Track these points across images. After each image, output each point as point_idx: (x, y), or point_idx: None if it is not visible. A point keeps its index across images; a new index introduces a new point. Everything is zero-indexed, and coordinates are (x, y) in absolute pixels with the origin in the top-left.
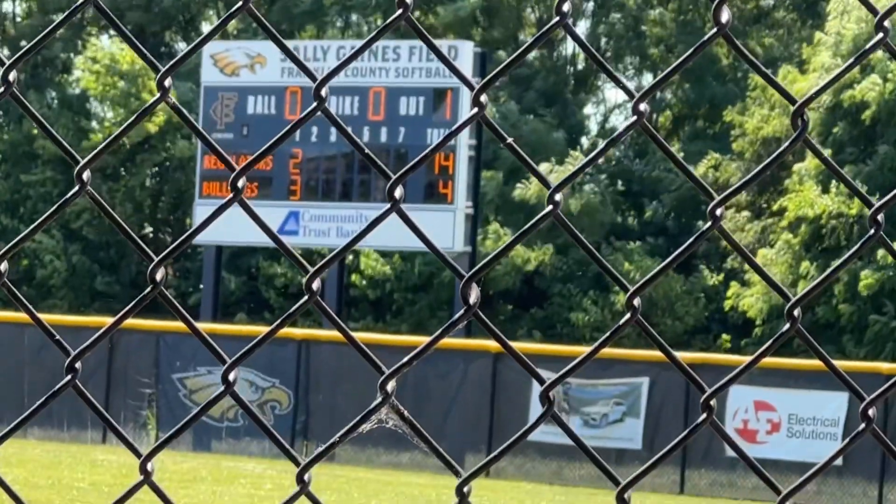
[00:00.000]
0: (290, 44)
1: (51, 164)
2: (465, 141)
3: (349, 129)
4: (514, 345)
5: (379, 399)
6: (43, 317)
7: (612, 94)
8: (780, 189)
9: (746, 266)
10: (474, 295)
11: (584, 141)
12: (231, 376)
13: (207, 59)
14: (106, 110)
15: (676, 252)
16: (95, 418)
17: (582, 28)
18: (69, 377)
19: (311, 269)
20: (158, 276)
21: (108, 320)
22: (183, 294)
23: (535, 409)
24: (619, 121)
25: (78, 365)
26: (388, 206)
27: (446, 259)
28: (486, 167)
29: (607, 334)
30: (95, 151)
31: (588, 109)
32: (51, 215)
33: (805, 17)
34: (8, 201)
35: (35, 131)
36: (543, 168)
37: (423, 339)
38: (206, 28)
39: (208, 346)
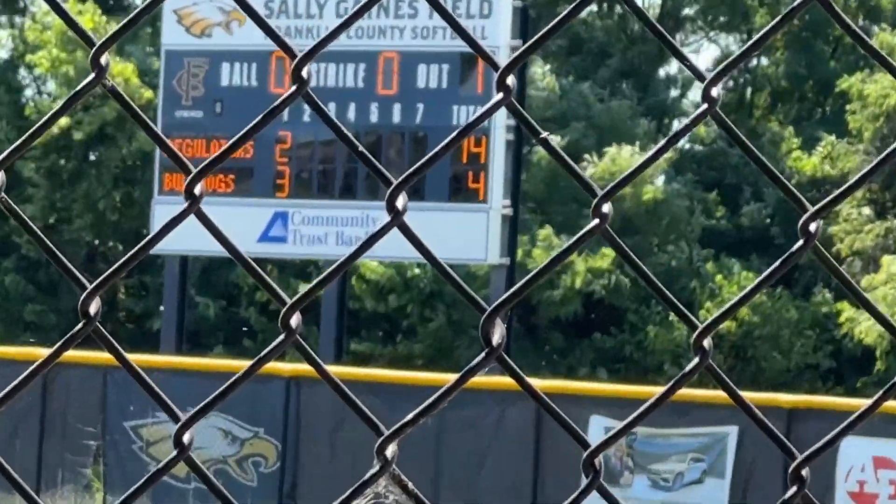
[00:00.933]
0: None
1: None
2: (501, 121)
3: (352, 110)
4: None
5: (376, 467)
6: None
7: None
8: None
9: (864, 281)
10: (498, 334)
11: (675, 123)
12: (186, 438)
13: (170, 16)
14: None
15: (757, 280)
16: (25, 476)
17: None
18: None
19: (289, 302)
20: (92, 310)
21: (43, 351)
22: (139, 317)
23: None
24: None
25: None
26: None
27: (465, 289)
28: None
29: (671, 383)
30: (7, 152)
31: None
32: None
33: None
34: None
35: None
36: (625, 152)
37: (445, 377)
38: None
39: (158, 400)
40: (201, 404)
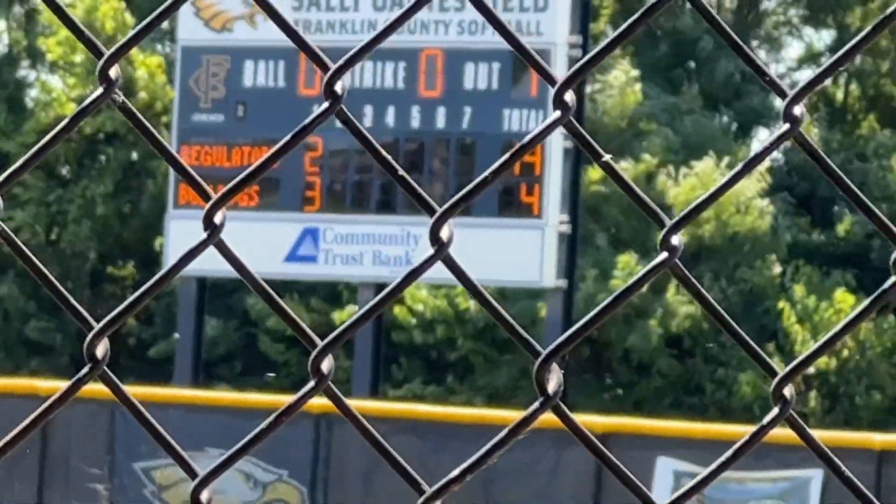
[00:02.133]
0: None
1: None
2: (558, 129)
3: (390, 115)
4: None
5: None
6: None
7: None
8: None
9: None
10: (555, 381)
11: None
12: (204, 496)
13: (187, 8)
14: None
15: (846, 320)
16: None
17: None
18: None
19: (320, 344)
20: (100, 353)
21: (45, 385)
22: (146, 346)
23: None
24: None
25: None
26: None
27: (514, 328)
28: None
29: (741, 442)
30: (8, 172)
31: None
32: None
33: None
34: None
35: None
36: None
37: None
38: None
39: (172, 452)
40: (220, 460)
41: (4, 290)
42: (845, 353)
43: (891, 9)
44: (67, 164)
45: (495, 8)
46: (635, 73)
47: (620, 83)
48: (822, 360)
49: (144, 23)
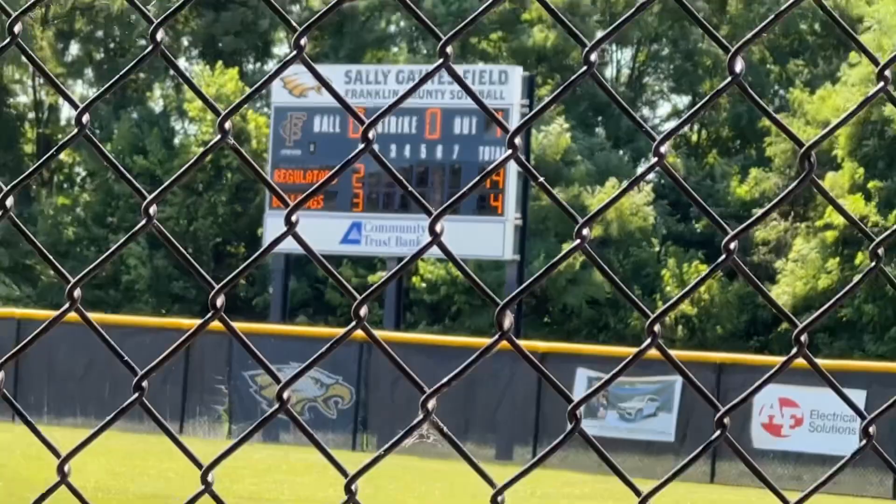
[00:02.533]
0: (353, 67)
1: (140, 178)
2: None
3: (407, 150)
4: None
5: (420, 416)
6: (128, 318)
7: (663, 110)
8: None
9: (777, 264)
10: (508, 321)
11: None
12: (285, 394)
13: (278, 82)
14: (188, 125)
15: (693, 283)
16: (173, 411)
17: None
18: (136, 395)
19: (359, 297)
20: (219, 303)
21: (186, 322)
22: (252, 297)
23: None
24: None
25: (145, 384)
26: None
27: (483, 288)
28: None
29: (628, 359)
30: (162, 188)
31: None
32: (119, 247)
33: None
34: (99, 212)
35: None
36: (610, 185)
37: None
38: (277, 50)
39: (264, 367)
40: (298, 369)
41: (159, 260)
42: (702, 301)
43: (723, 83)
44: (200, 182)
45: (472, 84)
46: (566, 125)
47: (556, 131)
48: (686, 306)
49: (248, 93)
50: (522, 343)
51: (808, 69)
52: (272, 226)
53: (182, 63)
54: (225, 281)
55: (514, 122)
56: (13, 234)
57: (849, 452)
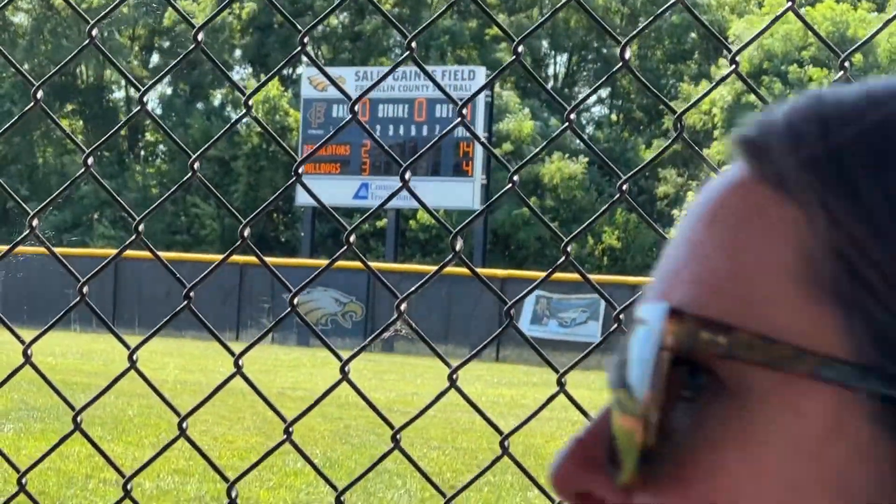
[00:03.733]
0: (362, 69)
1: (211, 161)
2: (480, 133)
3: (401, 129)
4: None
5: (395, 316)
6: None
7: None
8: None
9: (674, 212)
10: (459, 244)
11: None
12: (296, 300)
13: (305, 80)
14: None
15: (595, 216)
16: (232, 323)
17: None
18: (184, 303)
19: (349, 228)
20: (246, 233)
21: (241, 257)
22: (287, 238)
23: (526, 317)
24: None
25: (192, 293)
26: (425, 178)
27: (439, 219)
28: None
29: (548, 272)
30: (201, 150)
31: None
32: (164, 200)
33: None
34: (176, 178)
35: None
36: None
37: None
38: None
39: (279, 280)
40: (304, 281)
41: (228, 219)
42: (622, 237)
43: (616, 67)
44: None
45: (446, 80)
46: (528, 112)
47: (519, 118)
48: (613, 241)
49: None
50: (487, 271)
51: (696, 66)
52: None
53: (237, 71)
54: (252, 216)
55: (479, 112)
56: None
57: None
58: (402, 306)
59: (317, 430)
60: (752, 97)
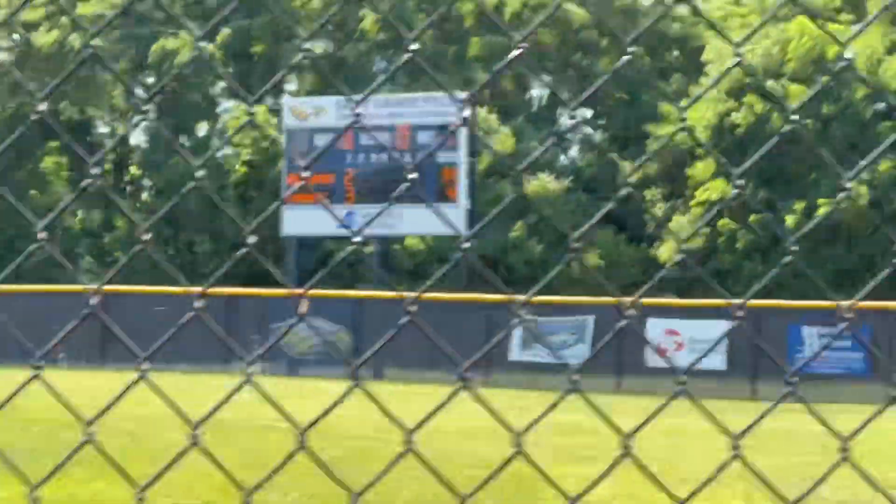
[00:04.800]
0: (345, 98)
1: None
2: (463, 156)
3: (385, 155)
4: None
5: (399, 326)
6: (187, 290)
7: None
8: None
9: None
10: (465, 244)
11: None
12: (303, 308)
13: (287, 111)
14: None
15: (581, 230)
16: (221, 356)
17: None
18: (192, 314)
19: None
20: (251, 239)
21: (227, 290)
22: (267, 274)
23: (516, 342)
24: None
25: (198, 304)
26: (410, 206)
27: (442, 215)
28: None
29: (536, 289)
30: (203, 160)
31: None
32: (170, 207)
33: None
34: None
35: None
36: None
37: (445, 296)
38: (287, 87)
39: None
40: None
41: (206, 246)
42: (606, 258)
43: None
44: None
45: (430, 106)
46: (510, 132)
47: (502, 138)
48: (596, 259)
49: (255, 97)
50: (474, 296)
51: (677, 85)
52: (287, 216)
53: (222, 105)
54: (256, 222)
55: (462, 133)
56: (96, 233)
57: (714, 367)
58: (411, 307)
59: (300, 462)
60: (735, 116)
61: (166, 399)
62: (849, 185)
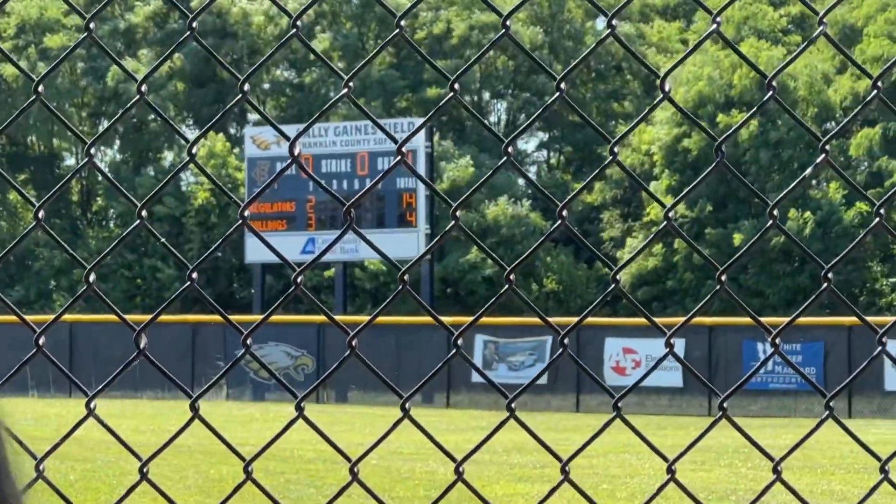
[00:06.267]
0: (303, 125)
1: (163, 221)
2: (422, 185)
3: (344, 182)
4: (464, 318)
5: (347, 353)
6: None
7: (531, 145)
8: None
9: (619, 253)
10: (406, 279)
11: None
12: (249, 341)
13: (248, 140)
14: (190, 177)
15: (531, 249)
16: (186, 380)
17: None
18: (136, 352)
19: (297, 270)
20: (195, 275)
21: (192, 316)
22: (243, 296)
23: (476, 363)
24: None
25: (143, 343)
26: (370, 230)
27: (389, 259)
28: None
29: (493, 299)
30: (150, 195)
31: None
32: (120, 241)
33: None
34: (129, 242)
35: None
36: (501, 202)
37: (406, 319)
38: (251, 116)
39: (231, 325)
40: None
41: (170, 271)
42: (564, 280)
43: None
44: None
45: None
46: (470, 160)
47: (462, 165)
48: (553, 284)
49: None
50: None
51: (631, 106)
52: (250, 244)
53: (186, 131)
54: (202, 258)
55: (420, 160)
56: (68, 261)
57: (669, 384)
58: (354, 342)
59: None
60: (688, 141)
61: (116, 435)
62: (776, 212)
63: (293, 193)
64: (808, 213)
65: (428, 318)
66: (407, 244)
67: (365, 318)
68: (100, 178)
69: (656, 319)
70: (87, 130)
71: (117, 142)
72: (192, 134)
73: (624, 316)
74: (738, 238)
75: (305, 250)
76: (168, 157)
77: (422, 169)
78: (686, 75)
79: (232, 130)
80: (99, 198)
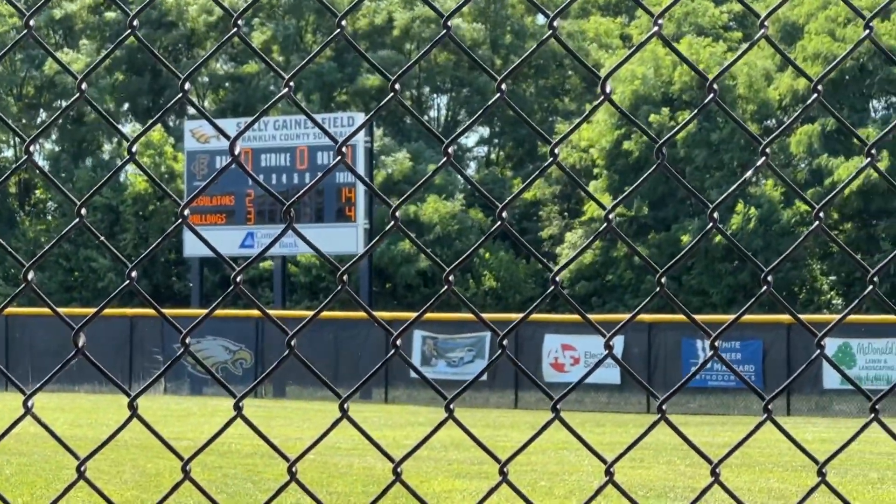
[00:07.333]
0: (243, 119)
1: (100, 210)
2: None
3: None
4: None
5: (286, 352)
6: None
7: (471, 140)
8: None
9: (557, 249)
10: (346, 279)
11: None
12: (188, 340)
13: (188, 133)
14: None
15: (482, 239)
16: (125, 374)
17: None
18: (75, 350)
19: (237, 269)
20: (133, 274)
21: (130, 310)
22: (181, 289)
23: (415, 359)
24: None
25: (81, 342)
26: (308, 225)
27: (328, 258)
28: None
29: (431, 301)
30: (87, 195)
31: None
32: (61, 238)
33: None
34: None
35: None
36: (431, 199)
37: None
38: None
39: (169, 322)
40: (193, 323)
41: (122, 275)
42: (503, 277)
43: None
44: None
45: (329, 126)
46: (408, 154)
47: (400, 160)
48: (492, 282)
49: (146, 127)
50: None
51: (573, 104)
52: (188, 238)
53: (122, 124)
54: (140, 258)
55: (359, 156)
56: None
57: (609, 381)
58: (293, 341)
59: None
60: (627, 144)
61: (53, 434)
62: (716, 214)
63: (232, 187)
64: (753, 209)
65: (363, 314)
66: (346, 239)
67: (303, 313)
68: (35, 171)
69: (595, 315)
70: (26, 122)
71: (55, 133)
72: (129, 125)
73: (563, 312)
74: (685, 239)
75: (244, 244)
76: (107, 148)
77: (361, 164)
78: (624, 73)
79: (170, 122)
80: (38, 190)
